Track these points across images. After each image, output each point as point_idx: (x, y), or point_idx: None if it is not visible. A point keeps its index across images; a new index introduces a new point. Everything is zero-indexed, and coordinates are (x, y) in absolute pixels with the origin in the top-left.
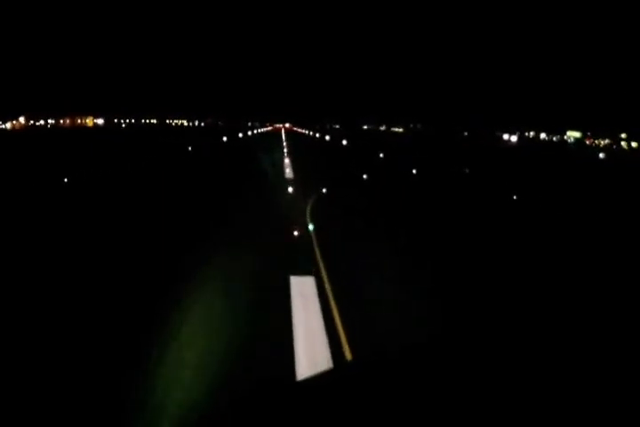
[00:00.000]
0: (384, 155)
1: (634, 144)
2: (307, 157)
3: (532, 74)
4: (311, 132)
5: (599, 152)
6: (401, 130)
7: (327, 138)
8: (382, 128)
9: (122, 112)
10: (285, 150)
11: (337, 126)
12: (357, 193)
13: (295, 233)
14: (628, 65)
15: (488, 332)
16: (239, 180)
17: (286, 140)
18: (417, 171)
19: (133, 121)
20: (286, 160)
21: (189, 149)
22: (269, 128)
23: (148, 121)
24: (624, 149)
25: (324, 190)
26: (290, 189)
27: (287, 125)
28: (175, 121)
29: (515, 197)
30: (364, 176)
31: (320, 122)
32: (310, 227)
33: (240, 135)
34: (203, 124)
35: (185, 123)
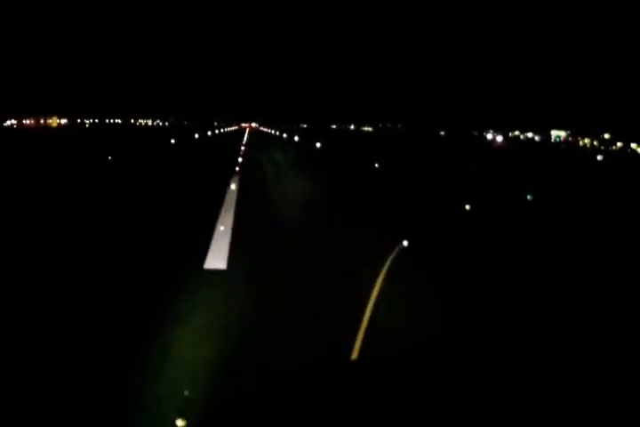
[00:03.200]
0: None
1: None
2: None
3: (513, 73)
4: (275, 131)
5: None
6: (370, 129)
7: (284, 135)
8: (352, 127)
9: (88, 112)
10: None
11: (304, 125)
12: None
13: None
14: (612, 64)
15: (487, 332)
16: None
17: (247, 139)
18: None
19: (97, 121)
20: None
21: (109, 158)
22: (235, 127)
23: (112, 121)
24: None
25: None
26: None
27: (253, 125)
28: (140, 120)
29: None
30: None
31: (287, 121)
32: None
33: (197, 136)
34: (167, 123)
35: (150, 122)
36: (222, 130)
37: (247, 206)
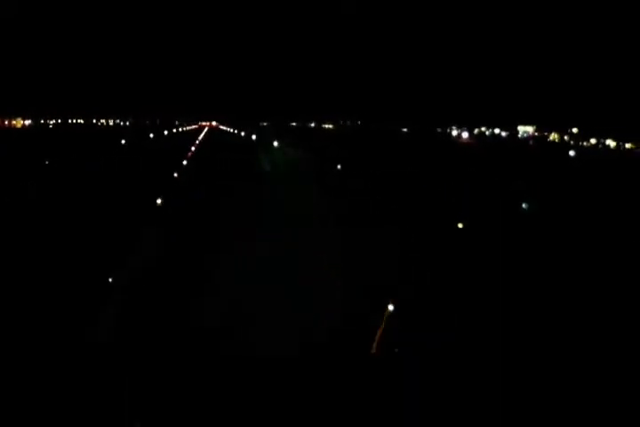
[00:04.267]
0: None
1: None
2: None
3: (477, 68)
4: (234, 130)
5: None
6: (331, 126)
7: (242, 133)
8: (312, 125)
9: (52, 112)
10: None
11: (265, 124)
12: None
13: None
14: (579, 59)
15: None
16: None
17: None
18: None
19: (60, 121)
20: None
21: None
22: (195, 126)
23: (75, 121)
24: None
25: None
26: None
27: (214, 123)
28: (102, 121)
29: None
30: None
31: (248, 119)
32: None
33: (152, 135)
34: (128, 123)
35: (111, 122)
36: (181, 129)
37: None
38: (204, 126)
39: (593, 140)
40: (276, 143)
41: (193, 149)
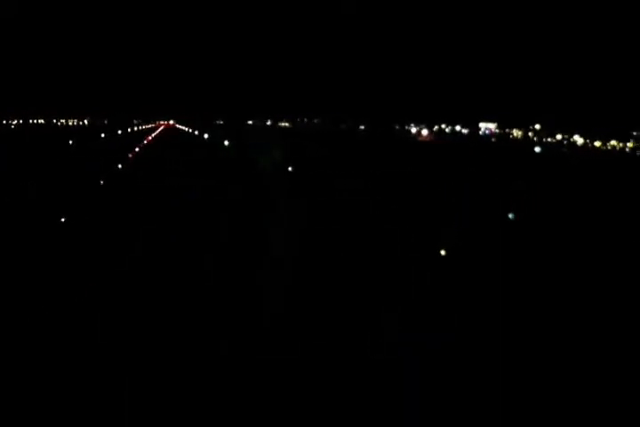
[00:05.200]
0: None
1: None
2: None
3: (438, 64)
4: (189, 129)
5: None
6: (287, 124)
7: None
8: (269, 123)
9: (12, 113)
10: None
11: (220, 122)
12: None
13: None
14: (541, 56)
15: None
16: None
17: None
18: None
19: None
20: None
21: None
22: (152, 125)
23: (35, 121)
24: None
25: None
26: None
27: (171, 122)
28: (62, 121)
29: None
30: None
31: (204, 118)
32: None
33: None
34: (86, 122)
35: (70, 122)
36: (137, 128)
37: None
38: (161, 126)
39: (559, 137)
40: (226, 142)
41: (139, 147)
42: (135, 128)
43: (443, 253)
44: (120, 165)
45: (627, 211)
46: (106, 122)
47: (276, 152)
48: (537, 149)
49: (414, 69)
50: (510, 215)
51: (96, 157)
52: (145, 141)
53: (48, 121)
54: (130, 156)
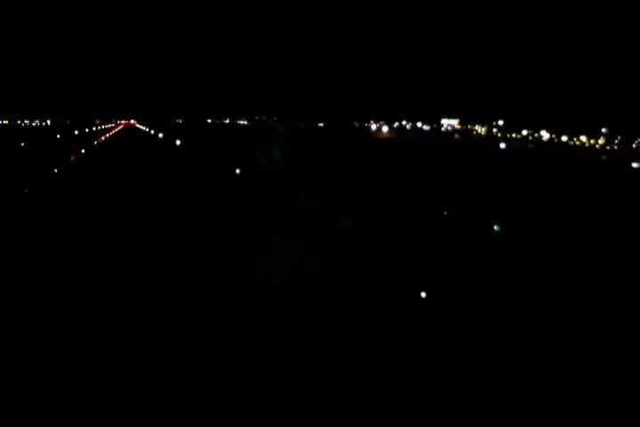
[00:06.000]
0: None
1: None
2: None
3: (398, 59)
4: (147, 128)
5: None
6: (246, 122)
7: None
8: (226, 121)
9: None
10: None
11: (180, 121)
12: None
13: None
14: (498, 50)
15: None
16: None
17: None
18: None
19: None
20: None
21: None
22: (112, 125)
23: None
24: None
25: None
26: None
27: (132, 121)
28: (26, 121)
29: None
30: None
31: (165, 116)
32: None
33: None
34: (49, 123)
35: (34, 123)
36: (96, 128)
37: None
38: (120, 125)
39: (524, 132)
40: (178, 142)
41: (85, 148)
42: (95, 128)
43: (423, 295)
44: (56, 169)
45: (606, 212)
46: (68, 122)
47: (224, 153)
48: (502, 146)
49: (372, 66)
50: (496, 227)
51: (35, 159)
52: (96, 142)
53: (11, 122)
54: (72, 158)
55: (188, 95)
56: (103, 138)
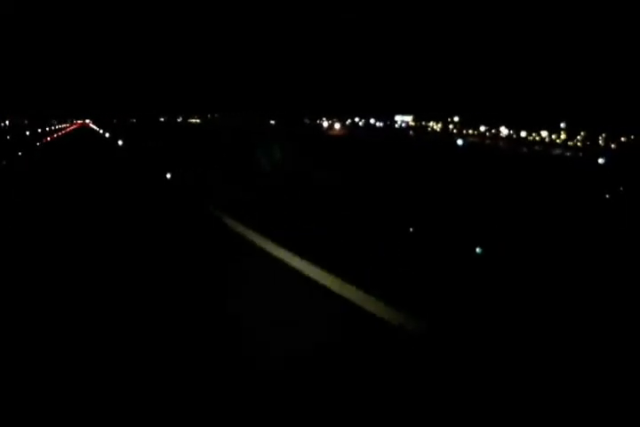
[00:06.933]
0: None
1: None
2: None
3: (349, 56)
4: (97, 127)
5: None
6: (198, 121)
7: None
8: (179, 120)
9: None
10: None
11: (134, 120)
12: None
13: None
14: (458, 45)
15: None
16: None
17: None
18: None
19: None
20: None
21: None
22: (67, 124)
23: None
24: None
25: None
26: None
27: (87, 121)
28: None
29: None
30: None
31: (119, 116)
32: None
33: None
34: (7, 123)
35: None
36: (49, 128)
37: None
38: (74, 125)
39: (482, 128)
40: (120, 142)
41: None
42: (48, 128)
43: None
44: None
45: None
46: (26, 122)
47: (163, 154)
48: (459, 142)
49: (324, 62)
50: (478, 249)
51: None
52: (42, 141)
53: None
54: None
55: (143, 95)
56: (49, 138)
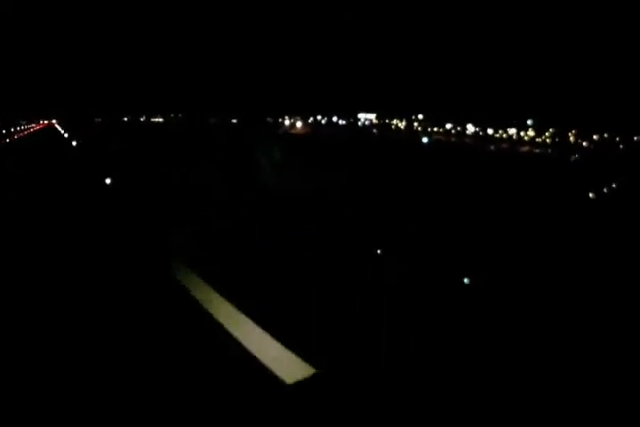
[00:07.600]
0: None
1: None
2: None
3: (311, 53)
4: (60, 128)
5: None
6: (161, 120)
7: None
8: (142, 119)
9: None
10: None
11: (99, 120)
12: None
13: None
14: (421, 41)
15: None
16: None
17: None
18: None
19: None
20: None
21: None
22: (31, 125)
23: None
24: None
25: None
26: None
27: (53, 121)
28: None
29: None
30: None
31: (87, 116)
32: None
33: None
34: None
35: None
36: (14, 129)
37: None
38: (39, 125)
39: (449, 126)
40: (74, 143)
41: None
42: (13, 128)
43: None
44: None
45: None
46: None
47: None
48: (425, 140)
49: (286, 59)
50: (466, 280)
51: None
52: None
53: None
54: None
55: (109, 95)
56: (8, 140)
